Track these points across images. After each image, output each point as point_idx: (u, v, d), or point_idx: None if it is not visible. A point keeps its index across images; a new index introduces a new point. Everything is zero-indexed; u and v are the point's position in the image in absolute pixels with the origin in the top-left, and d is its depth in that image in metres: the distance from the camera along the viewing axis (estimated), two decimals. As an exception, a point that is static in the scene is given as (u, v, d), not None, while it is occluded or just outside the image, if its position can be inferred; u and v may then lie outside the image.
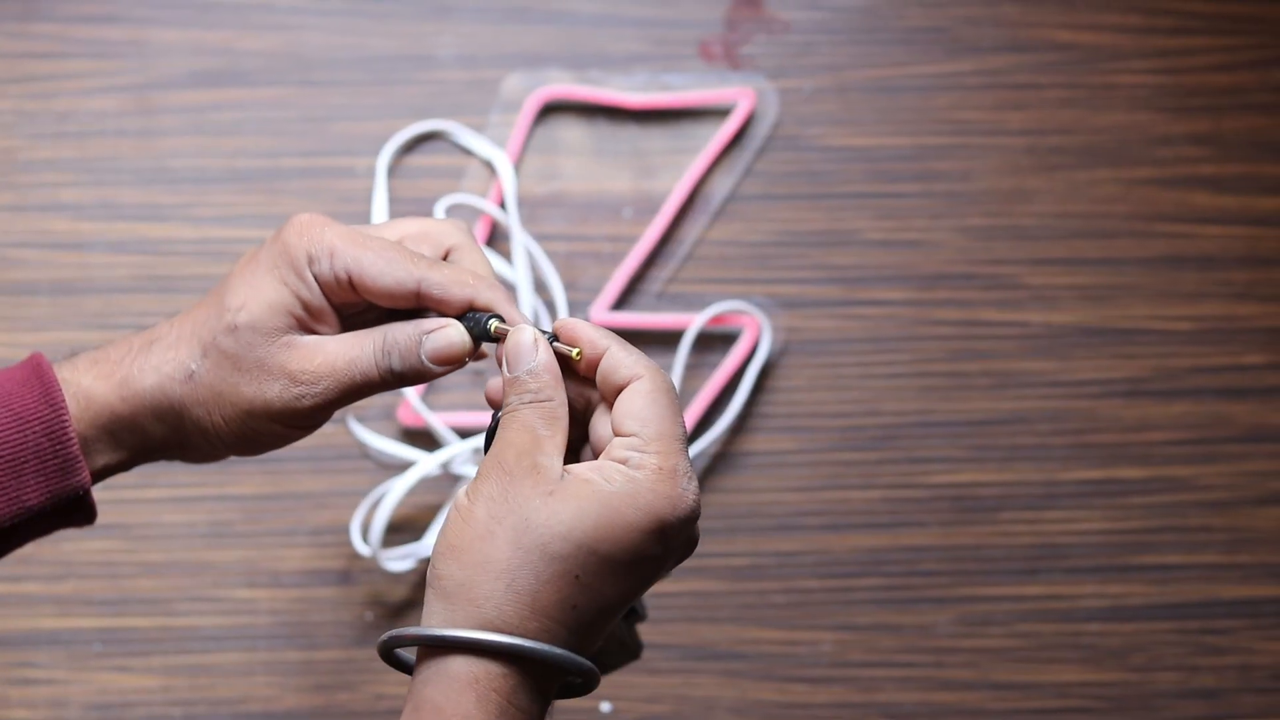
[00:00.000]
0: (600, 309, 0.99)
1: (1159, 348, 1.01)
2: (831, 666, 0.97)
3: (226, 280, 0.66)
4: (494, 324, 0.64)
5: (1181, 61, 1.05)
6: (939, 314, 1.01)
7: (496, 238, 1.00)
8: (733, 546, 0.98)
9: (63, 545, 0.95)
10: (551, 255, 0.99)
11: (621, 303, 1.00)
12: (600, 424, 0.63)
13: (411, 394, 0.95)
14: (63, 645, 0.95)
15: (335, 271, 0.64)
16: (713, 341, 1.00)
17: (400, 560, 0.95)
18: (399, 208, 1.00)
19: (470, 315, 0.65)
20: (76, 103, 1.01)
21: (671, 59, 1.03)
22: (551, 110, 1.03)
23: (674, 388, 0.62)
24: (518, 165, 1.01)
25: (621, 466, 0.59)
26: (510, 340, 0.62)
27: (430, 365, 0.64)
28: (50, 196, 1.00)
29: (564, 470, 0.60)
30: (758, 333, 0.99)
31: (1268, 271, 1.02)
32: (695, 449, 0.97)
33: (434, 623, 0.58)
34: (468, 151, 1.02)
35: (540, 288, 0.99)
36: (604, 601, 0.59)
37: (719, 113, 1.03)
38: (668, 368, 0.98)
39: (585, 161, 1.02)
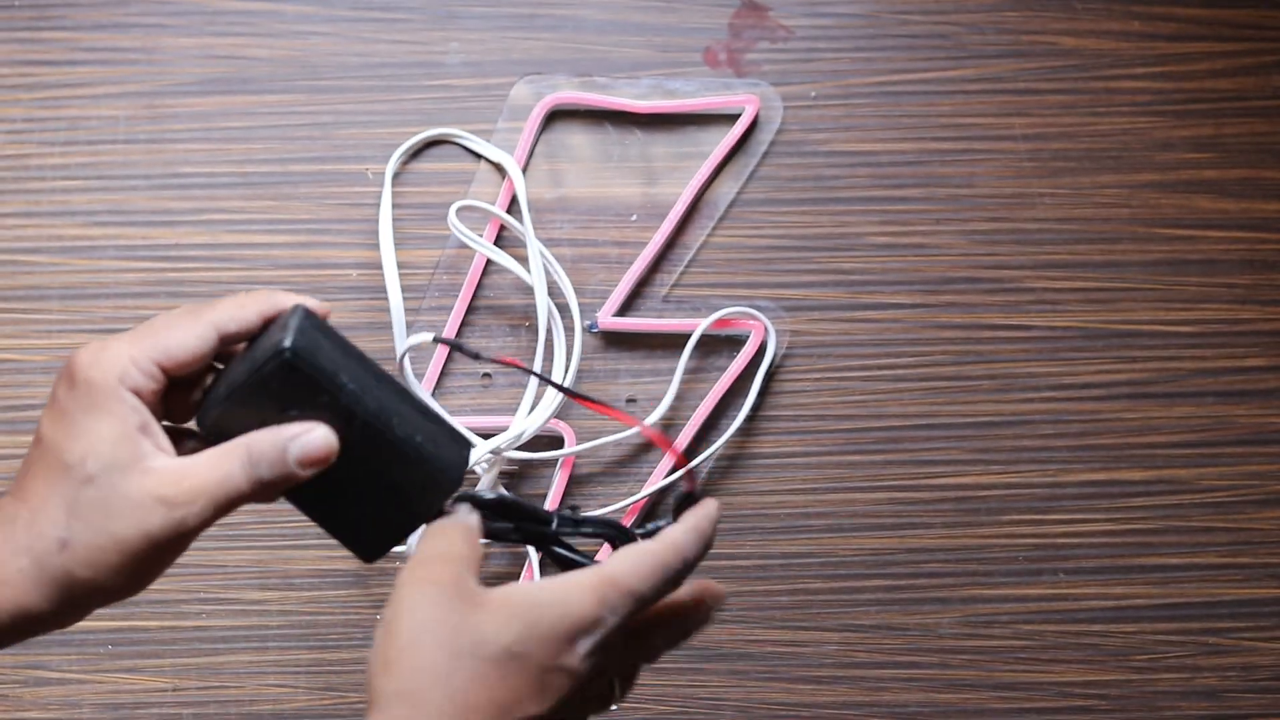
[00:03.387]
0: (606, 313, 1.00)
1: (1161, 351, 1.02)
2: (836, 667, 0.97)
3: (42, 455, 0.63)
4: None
5: (1183, 67, 1.06)
6: (943, 317, 1.01)
7: (505, 243, 1.01)
8: (739, 548, 0.98)
9: (75, 548, 0.96)
10: (558, 260, 1.00)
11: (628, 307, 1.01)
12: None
13: (424, 397, 0.96)
14: (74, 646, 0.95)
15: (146, 373, 0.63)
16: (718, 345, 1.00)
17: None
18: (407, 213, 1.01)
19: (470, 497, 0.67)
20: (87, 109, 1.02)
21: (677, 65, 1.04)
22: (558, 116, 1.03)
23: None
24: (524, 171, 1.02)
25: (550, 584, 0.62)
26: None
27: (299, 470, 0.63)
28: (62, 202, 1.01)
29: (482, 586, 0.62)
30: (763, 336, 1.00)
31: (1269, 275, 1.03)
32: (703, 452, 0.98)
33: None
34: (476, 157, 1.02)
35: (552, 291, 0.99)
36: (525, 711, 0.61)
37: (724, 118, 1.03)
38: (672, 371, 0.98)
39: (591, 167, 1.03)
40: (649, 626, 0.65)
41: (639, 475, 0.99)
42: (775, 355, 1.00)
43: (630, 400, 1.00)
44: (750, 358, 1.00)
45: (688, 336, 0.99)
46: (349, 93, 1.03)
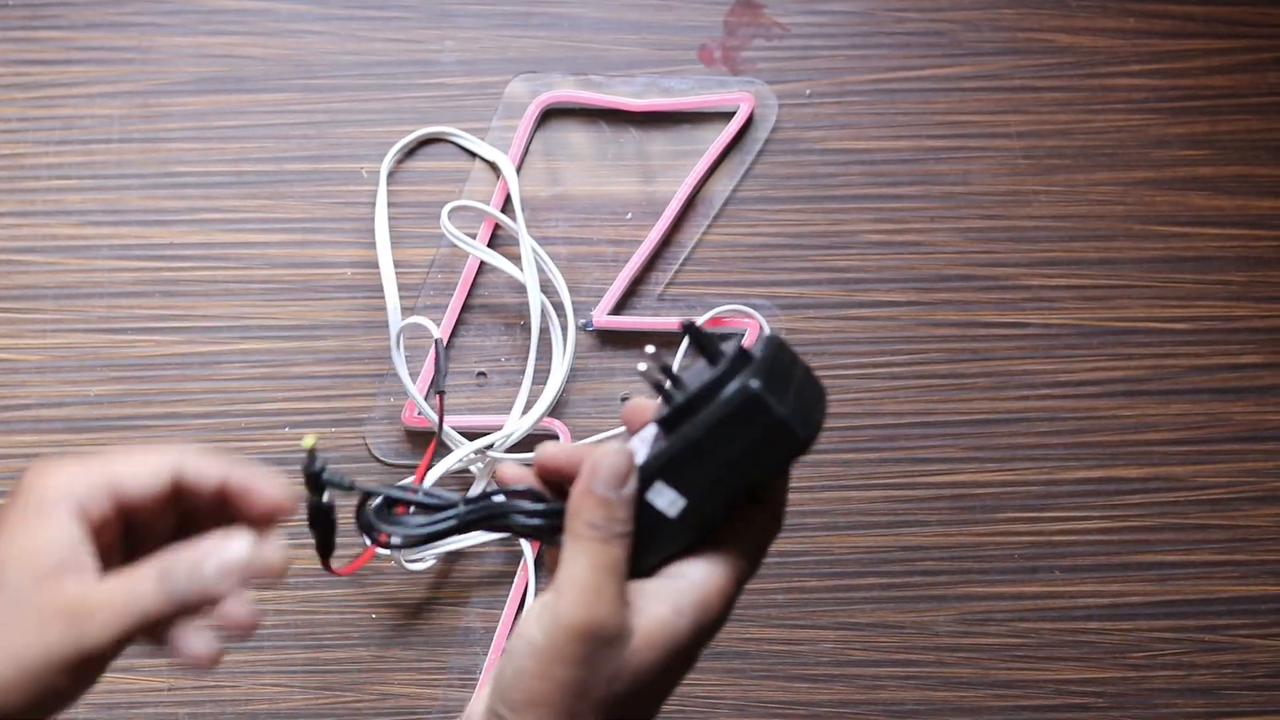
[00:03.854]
0: (601, 312, 1.00)
1: (1156, 348, 1.02)
2: (833, 665, 0.97)
3: None
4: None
5: (1178, 64, 1.06)
6: (938, 315, 1.01)
7: (500, 241, 1.01)
8: (734, 546, 0.98)
9: (70, 547, 0.96)
10: (554, 258, 1.00)
11: (622, 305, 1.01)
12: None
13: (418, 396, 0.96)
14: (70, 646, 0.95)
15: (92, 495, 0.58)
16: (714, 343, 1.00)
17: (418, 561, 0.96)
18: (402, 211, 1.01)
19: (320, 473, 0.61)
20: (82, 108, 1.02)
21: (672, 63, 1.04)
22: (553, 114, 1.03)
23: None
24: (520, 169, 1.02)
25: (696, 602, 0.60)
26: (607, 457, 0.59)
27: (217, 583, 0.56)
28: (56, 202, 1.01)
29: (630, 607, 0.59)
30: (758, 334, 1.00)
31: (1264, 272, 1.03)
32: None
33: None
34: (471, 155, 1.02)
35: (546, 289, 0.99)
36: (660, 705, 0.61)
37: (719, 116, 1.03)
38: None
39: (587, 165, 1.03)
40: None
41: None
42: (770, 353, 1.00)
43: (625, 398, 1.00)
44: (745, 356, 1.00)
45: (683, 335, 0.99)
46: (344, 91, 1.03)
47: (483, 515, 0.62)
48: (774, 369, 0.59)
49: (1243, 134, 1.05)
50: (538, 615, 0.59)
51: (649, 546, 0.60)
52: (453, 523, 0.62)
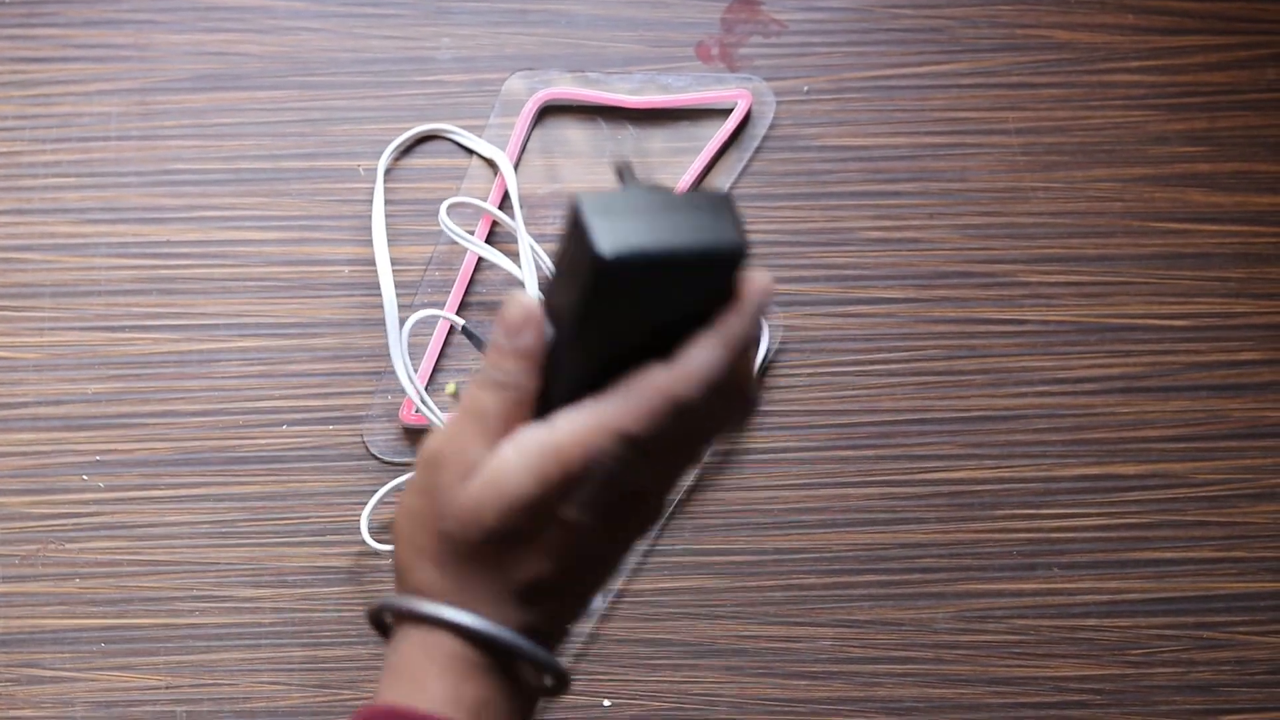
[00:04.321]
0: (600, 309, 1.00)
1: (1155, 345, 1.02)
2: (831, 662, 0.97)
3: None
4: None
5: (1176, 60, 1.05)
6: (936, 312, 1.01)
7: (498, 238, 1.01)
8: (732, 543, 0.98)
9: (68, 545, 0.96)
10: (551, 256, 1.00)
11: (621, 302, 1.01)
12: None
13: (413, 394, 0.96)
14: (68, 644, 0.95)
15: None
16: (712, 340, 1.00)
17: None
18: (399, 209, 1.01)
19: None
20: (79, 106, 1.02)
21: (669, 60, 1.04)
22: (550, 111, 1.03)
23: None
24: (517, 167, 1.02)
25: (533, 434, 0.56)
26: (508, 306, 0.57)
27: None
28: (53, 199, 1.01)
29: (489, 452, 0.57)
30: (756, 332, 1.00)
31: (1263, 269, 1.03)
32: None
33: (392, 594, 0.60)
34: (468, 152, 1.02)
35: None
36: (539, 577, 0.57)
37: (717, 113, 1.03)
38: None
39: (584, 162, 1.03)
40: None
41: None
42: (768, 350, 1.00)
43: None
44: (743, 353, 1.00)
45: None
46: (340, 88, 1.03)
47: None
48: (651, 194, 0.53)
49: (1241, 130, 1.05)
50: None
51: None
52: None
